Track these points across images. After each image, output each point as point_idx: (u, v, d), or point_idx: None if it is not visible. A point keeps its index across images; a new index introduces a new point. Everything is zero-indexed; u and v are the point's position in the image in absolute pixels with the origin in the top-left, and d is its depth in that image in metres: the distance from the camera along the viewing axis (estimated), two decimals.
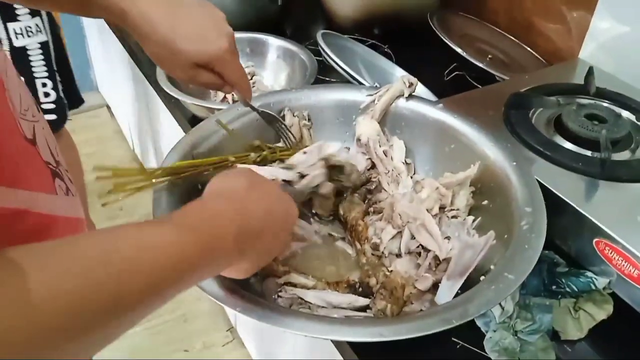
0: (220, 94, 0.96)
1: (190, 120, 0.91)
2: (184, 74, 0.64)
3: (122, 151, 2.22)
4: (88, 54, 2.37)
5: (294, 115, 0.77)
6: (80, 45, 2.34)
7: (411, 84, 0.77)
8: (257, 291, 0.62)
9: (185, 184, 0.64)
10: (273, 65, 1.01)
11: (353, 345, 0.61)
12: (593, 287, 0.63)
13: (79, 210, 0.59)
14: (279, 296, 0.61)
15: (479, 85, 0.98)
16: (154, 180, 0.62)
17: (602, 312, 0.63)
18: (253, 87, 0.97)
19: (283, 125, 0.75)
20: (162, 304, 0.39)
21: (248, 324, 1.42)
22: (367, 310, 0.59)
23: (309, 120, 0.79)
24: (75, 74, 2.47)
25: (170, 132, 1.19)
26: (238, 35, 0.67)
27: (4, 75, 0.48)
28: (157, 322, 1.65)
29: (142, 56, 1.09)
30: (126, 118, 2.03)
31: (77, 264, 0.33)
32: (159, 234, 0.39)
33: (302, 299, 0.60)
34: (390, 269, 0.63)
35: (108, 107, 2.40)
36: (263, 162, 0.73)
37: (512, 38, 1.12)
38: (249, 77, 0.95)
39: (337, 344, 0.66)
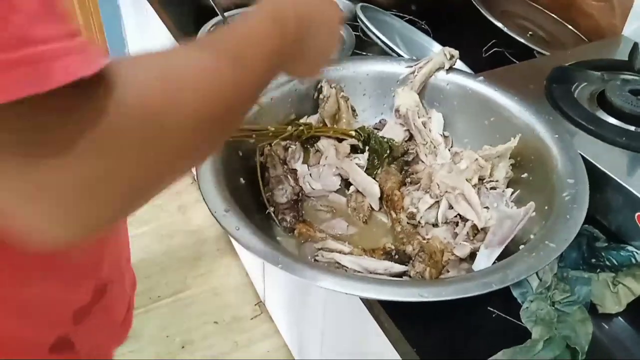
0: None
1: None
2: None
3: None
4: (123, 33, 2.40)
5: (331, 87, 0.77)
6: (117, 25, 2.37)
7: (452, 57, 0.77)
8: (294, 256, 0.63)
9: (227, 149, 0.66)
10: None
11: (388, 309, 0.61)
12: (633, 261, 0.62)
13: None
14: (315, 260, 0.62)
15: (518, 62, 0.97)
16: None
17: None
18: None
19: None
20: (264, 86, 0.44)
21: (276, 298, 1.44)
22: (403, 277, 0.60)
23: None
24: (110, 52, 2.51)
25: None
26: None
27: None
28: (188, 294, 1.68)
29: (180, 32, 1.11)
30: None
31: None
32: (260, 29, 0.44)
33: (338, 263, 0.61)
34: (427, 237, 0.64)
35: None
36: (299, 136, 0.73)
37: (554, 15, 1.10)
38: None
39: (371, 310, 0.67)
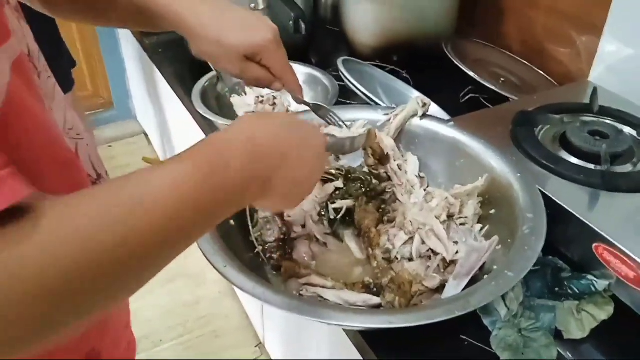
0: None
1: None
2: (234, 67, 0.68)
3: None
4: (127, 86, 2.51)
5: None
6: (121, 78, 2.48)
7: (425, 104, 0.84)
8: (278, 290, 0.68)
9: None
10: (287, 97, 1.09)
11: (370, 342, 0.66)
12: (594, 290, 0.67)
13: None
14: (300, 295, 0.67)
15: (492, 107, 1.04)
16: None
17: (603, 313, 0.67)
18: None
19: (331, 112, 0.77)
20: (188, 244, 0.41)
21: (275, 339, 1.47)
22: (381, 308, 0.65)
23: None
24: (115, 104, 2.61)
25: None
26: None
27: (52, 102, 0.54)
28: (189, 337, 1.72)
29: (179, 85, 1.19)
30: (162, 144, 2.14)
31: (104, 209, 0.36)
32: (167, 172, 0.39)
33: (321, 297, 0.66)
34: (396, 271, 0.69)
35: (145, 135, 2.53)
36: None
37: (525, 62, 1.18)
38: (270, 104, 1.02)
39: (356, 343, 0.71)
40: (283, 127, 0.50)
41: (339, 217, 0.77)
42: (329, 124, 0.77)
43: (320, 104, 0.79)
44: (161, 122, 2.02)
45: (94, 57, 2.41)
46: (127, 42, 2.19)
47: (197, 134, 1.14)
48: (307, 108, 0.79)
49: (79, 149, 0.58)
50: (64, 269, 0.33)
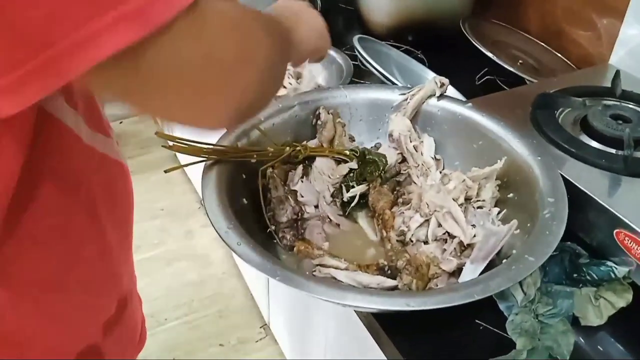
0: None
1: None
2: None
3: (164, 153, 2.32)
4: None
5: (328, 113, 0.82)
6: None
7: (442, 84, 0.82)
8: (292, 269, 0.67)
9: (230, 168, 0.70)
10: (311, 68, 1.07)
11: (382, 323, 0.65)
12: (613, 276, 0.65)
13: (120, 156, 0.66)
14: (313, 275, 0.66)
15: (509, 89, 1.01)
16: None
17: (621, 300, 0.65)
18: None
19: None
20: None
21: (280, 320, 1.47)
22: (396, 290, 0.64)
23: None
24: None
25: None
26: None
27: None
28: (194, 317, 1.72)
29: None
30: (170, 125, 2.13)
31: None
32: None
33: (334, 278, 0.65)
34: (415, 253, 0.68)
35: None
36: (297, 157, 0.78)
37: (543, 44, 1.15)
38: (294, 77, 1.01)
39: (368, 325, 0.70)
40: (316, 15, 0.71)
41: (353, 204, 0.76)
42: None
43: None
44: None
45: None
46: None
47: None
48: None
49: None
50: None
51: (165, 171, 0.68)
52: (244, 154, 0.72)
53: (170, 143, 0.68)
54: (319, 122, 0.82)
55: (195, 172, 1.99)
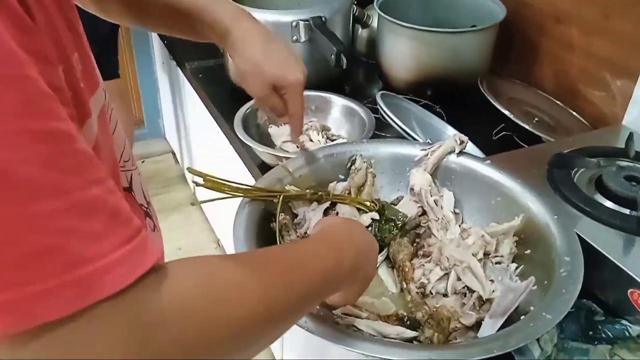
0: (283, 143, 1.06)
1: (259, 166, 1.01)
2: (259, 90, 0.74)
3: (183, 194, 2.37)
4: (159, 105, 2.56)
5: (363, 161, 0.86)
6: (153, 98, 2.54)
7: (462, 142, 0.86)
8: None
9: (260, 211, 0.74)
10: (335, 121, 1.12)
11: None
12: (627, 334, 0.67)
13: (161, 244, 0.69)
14: (336, 324, 0.69)
15: (525, 146, 1.05)
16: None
17: (635, 357, 0.67)
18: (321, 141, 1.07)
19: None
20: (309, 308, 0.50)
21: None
22: (414, 342, 0.66)
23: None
24: (146, 123, 2.68)
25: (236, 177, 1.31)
26: (305, 93, 0.78)
27: (113, 131, 0.57)
28: None
29: (217, 109, 1.23)
30: (190, 163, 2.18)
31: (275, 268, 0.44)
32: (312, 251, 0.51)
33: (355, 327, 0.68)
34: (436, 306, 0.70)
35: (173, 154, 2.58)
36: (317, 199, 0.82)
37: (558, 102, 1.19)
38: (319, 130, 1.06)
39: None
40: (359, 229, 0.62)
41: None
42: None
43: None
44: (189, 143, 2.06)
45: (129, 75, 2.48)
46: (160, 62, 2.25)
47: (230, 158, 1.17)
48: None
49: (133, 180, 0.61)
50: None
51: (192, 204, 0.72)
52: (268, 194, 0.76)
53: (199, 180, 0.71)
54: (353, 167, 0.86)
55: (214, 212, 2.03)
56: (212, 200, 0.73)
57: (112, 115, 0.56)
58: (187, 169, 0.72)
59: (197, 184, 0.70)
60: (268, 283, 0.41)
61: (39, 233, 0.30)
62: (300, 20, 1.15)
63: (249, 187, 0.76)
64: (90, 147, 0.34)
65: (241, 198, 0.75)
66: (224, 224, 1.90)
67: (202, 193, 0.77)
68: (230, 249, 2.00)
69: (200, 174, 0.70)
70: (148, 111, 2.60)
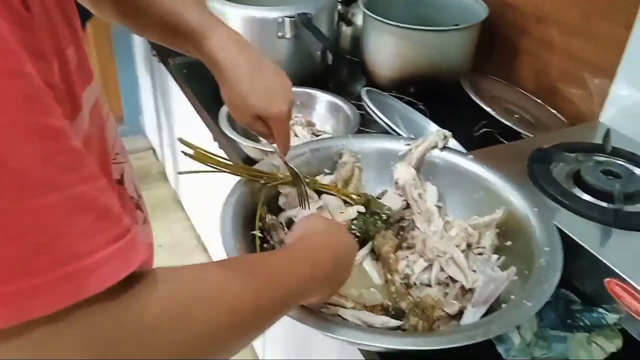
0: None
1: (244, 160, 1.02)
2: (246, 120, 0.76)
3: (164, 190, 2.36)
4: (140, 101, 2.55)
5: (350, 155, 0.87)
6: (134, 94, 2.53)
7: (445, 137, 0.88)
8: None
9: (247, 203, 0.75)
10: (320, 116, 1.13)
11: None
12: (604, 323, 0.70)
13: (151, 237, 0.69)
14: (321, 313, 0.70)
15: (505, 142, 1.07)
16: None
17: (612, 345, 0.69)
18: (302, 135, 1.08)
19: (304, 188, 0.81)
20: (283, 315, 0.50)
21: (276, 357, 1.48)
22: (398, 331, 0.67)
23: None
24: (126, 119, 2.66)
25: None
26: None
27: (105, 124, 0.57)
28: None
29: (202, 105, 1.23)
30: (171, 160, 2.17)
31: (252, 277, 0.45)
32: (289, 264, 0.52)
33: (340, 316, 0.69)
34: (420, 296, 0.72)
35: (153, 150, 2.56)
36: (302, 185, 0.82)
37: (538, 100, 1.22)
38: (304, 126, 1.06)
39: None
40: (337, 234, 0.63)
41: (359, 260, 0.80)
42: (298, 194, 0.81)
43: (299, 173, 0.81)
44: (171, 140, 2.06)
45: (108, 71, 2.46)
46: (142, 58, 2.24)
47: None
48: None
49: (125, 172, 0.61)
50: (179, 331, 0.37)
51: (179, 173, 0.73)
52: (255, 174, 0.77)
53: (188, 150, 0.71)
54: (340, 160, 0.87)
55: (195, 209, 2.02)
56: (198, 172, 0.73)
57: (105, 108, 0.57)
58: (178, 139, 0.72)
59: (186, 154, 0.70)
60: (241, 295, 0.42)
61: (31, 228, 0.30)
62: (286, 16, 1.15)
63: (236, 165, 0.76)
64: (80, 142, 0.34)
65: (227, 176, 0.75)
66: (204, 220, 1.91)
67: (190, 186, 0.78)
68: (211, 247, 2.00)
69: (190, 145, 0.70)
70: (128, 108, 2.59)
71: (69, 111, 0.42)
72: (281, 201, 0.83)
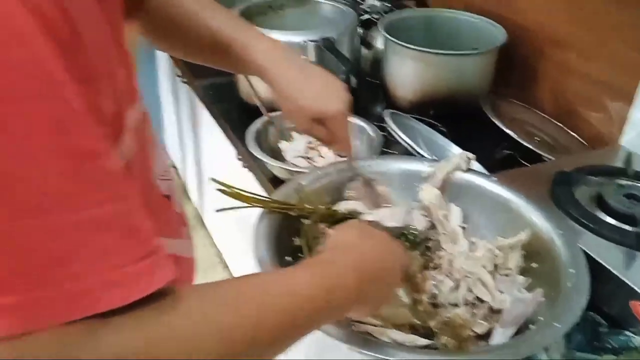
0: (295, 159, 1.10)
1: (270, 180, 1.04)
2: (303, 125, 0.76)
3: (186, 208, 2.39)
4: (162, 121, 2.59)
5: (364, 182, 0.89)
6: (156, 112, 2.57)
7: (469, 159, 0.90)
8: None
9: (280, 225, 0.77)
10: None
11: None
12: (631, 345, 0.71)
13: (192, 251, 0.71)
14: (351, 330, 0.71)
15: (527, 164, 1.09)
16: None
17: None
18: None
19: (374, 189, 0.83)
20: (295, 340, 0.46)
21: None
22: (429, 349, 0.69)
23: None
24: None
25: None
26: None
27: (150, 142, 0.59)
28: None
29: (229, 125, 1.26)
30: (195, 177, 2.21)
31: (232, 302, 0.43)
32: (293, 281, 0.48)
33: (370, 334, 0.70)
34: (448, 315, 0.73)
35: (175, 167, 2.60)
36: (332, 216, 0.84)
37: (557, 123, 1.24)
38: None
39: None
40: (382, 246, 0.59)
41: None
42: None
43: (370, 177, 0.82)
44: (194, 158, 2.09)
45: None
46: (164, 77, 2.29)
47: (240, 172, 1.20)
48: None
49: (171, 190, 0.63)
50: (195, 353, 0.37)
51: (217, 210, 0.76)
52: (285, 207, 0.79)
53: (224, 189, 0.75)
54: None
55: (217, 227, 2.05)
56: (233, 208, 0.76)
57: (149, 126, 0.59)
58: (210, 179, 0.76)
59: (222, 192, 0.73)
60: (245, 324, 0.42)
61: (50, 242, 0.32)
62: (310, 40, 1.19)
63: (268, 199, 0.79)
64: (122, 163, 0.36)
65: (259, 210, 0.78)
66: (226, 239, 1.93)
67: (212, 203, 0.80)
68: (232, 264, 2.02)
69: (223, 185, 0.73)
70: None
71: (113, 131, 0.43)
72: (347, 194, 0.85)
